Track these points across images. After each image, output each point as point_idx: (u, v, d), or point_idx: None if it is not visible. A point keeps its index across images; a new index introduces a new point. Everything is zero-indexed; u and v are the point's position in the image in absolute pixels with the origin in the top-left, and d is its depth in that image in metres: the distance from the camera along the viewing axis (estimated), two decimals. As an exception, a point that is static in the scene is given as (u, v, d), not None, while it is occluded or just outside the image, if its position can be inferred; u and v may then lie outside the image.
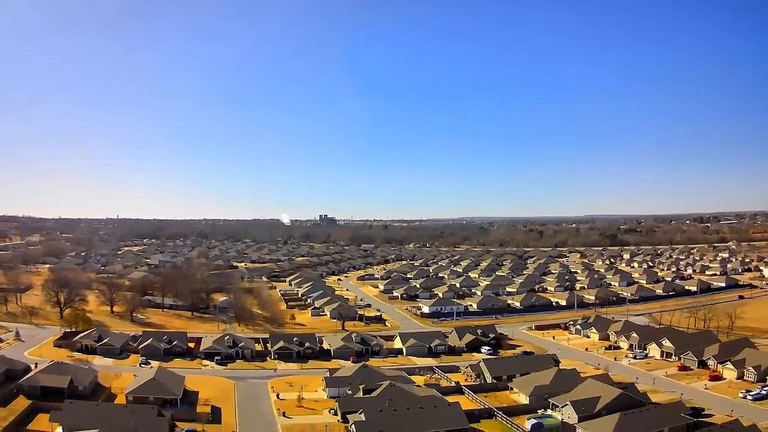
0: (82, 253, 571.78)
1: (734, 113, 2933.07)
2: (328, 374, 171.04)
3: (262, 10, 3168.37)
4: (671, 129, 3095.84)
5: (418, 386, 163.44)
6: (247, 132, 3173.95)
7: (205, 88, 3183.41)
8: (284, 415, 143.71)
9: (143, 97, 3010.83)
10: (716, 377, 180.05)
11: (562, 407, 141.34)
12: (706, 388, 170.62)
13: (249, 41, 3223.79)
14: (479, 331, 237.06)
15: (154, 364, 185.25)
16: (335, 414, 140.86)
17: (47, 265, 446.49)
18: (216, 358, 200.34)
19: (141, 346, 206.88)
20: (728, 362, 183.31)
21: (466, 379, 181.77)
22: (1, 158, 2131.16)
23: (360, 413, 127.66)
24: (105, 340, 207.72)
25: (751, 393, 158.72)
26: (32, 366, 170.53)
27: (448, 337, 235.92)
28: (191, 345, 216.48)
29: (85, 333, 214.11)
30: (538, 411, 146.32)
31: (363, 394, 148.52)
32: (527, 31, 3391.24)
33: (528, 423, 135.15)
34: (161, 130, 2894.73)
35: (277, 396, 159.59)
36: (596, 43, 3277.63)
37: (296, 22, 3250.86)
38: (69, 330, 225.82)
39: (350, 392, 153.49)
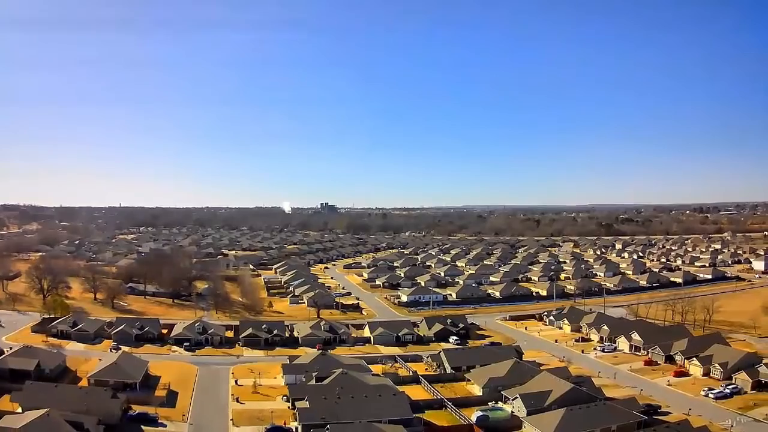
0: (76, 242, 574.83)
1: (741, 102, 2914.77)
2: (288, 361, 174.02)
3: (264, 4, 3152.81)
4: (675, 118, 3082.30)
5: (376, 375, 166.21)
6: (251, 121, 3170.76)
7: (210, 79, 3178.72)
8: (237, 401, 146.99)
9: (147, 88, 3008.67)
10: (682, 373, 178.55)
11: (512, 400, 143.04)
12: (669, 384, 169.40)
13: (255, 31, 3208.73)
14: (449, 321, 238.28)
15: (125, 349, 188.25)
16: (287, 401, 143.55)
17: (40, 253, 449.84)
18: (185, 344, 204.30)
19: (113, 332, 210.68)
20: (695, 358, 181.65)
21: (426, 369, 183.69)
22: (5, 148, 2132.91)
23: (305, 400, 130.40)
24: (80, 326, 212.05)
25: (713, 391, 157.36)
26: (6, 350, 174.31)
27: (418, 326, 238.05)
28: (164, 331, 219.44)
29: (61, 319, 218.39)
30: (490, 403, 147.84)
31: (317, 382, 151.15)
32: (527, 20, 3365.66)
33: (474, 415, 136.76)
34: (166, 119, 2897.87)
35: (236, 382, 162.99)
36: (597, 33, 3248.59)
37: (298, 15, 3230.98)
38: (48, 316, 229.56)
39: (305, 380, 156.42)
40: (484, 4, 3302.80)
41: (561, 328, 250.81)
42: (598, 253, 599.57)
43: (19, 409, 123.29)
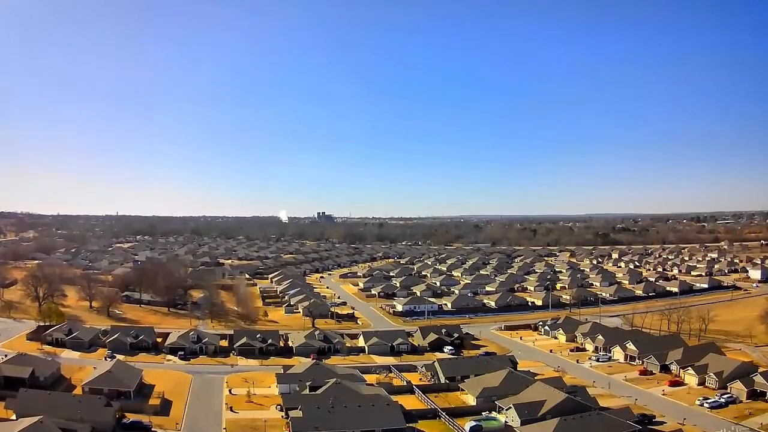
0: (73, 250, 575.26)
1: (739, 110, 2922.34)
2: (282, 371, 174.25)
3: (263, 7, 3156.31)
4: (673, 127, 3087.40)
5: (370, 384, 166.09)
6: (248, 129, 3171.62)
7: (207, 84, 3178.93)
8: (231, 410, 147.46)
9: (145, 94, 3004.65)
10: (677, 382, 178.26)
11: (506, 410, 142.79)
12: (663, 394, 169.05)
13: (251, 38, 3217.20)
14: (443, 331, 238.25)
15: (120, 357, 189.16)
16: (281, 410, 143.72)
17: (36, 261, 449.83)
18: (179, 353, 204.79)
19: (108, 340, 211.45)
20: (690, 367, 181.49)
21: (420, 379, 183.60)
22: (2, 155, 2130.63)
23: (299, 410, 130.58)
24: (74, 334, 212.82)
25: (708, 400, 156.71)
26: (1, 358, 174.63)
27: (412, 336, 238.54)
28: (159, 340, 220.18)
29: (57, 327, 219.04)
30: (483, 413, 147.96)
31: (310, 391, 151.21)
32: (523, 28, 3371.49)
33: (467, 425, 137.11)
34: (162, 127, 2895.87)
35: (230, 391, 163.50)
36: (595, 41, 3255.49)
37: (297, 20, 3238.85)
38: (43, 324, 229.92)
39: (298, 389, 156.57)
40: (480, 14, 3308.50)
41: (556, 338, 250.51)
42: (595, 262, 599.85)
43: (14, 417, 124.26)
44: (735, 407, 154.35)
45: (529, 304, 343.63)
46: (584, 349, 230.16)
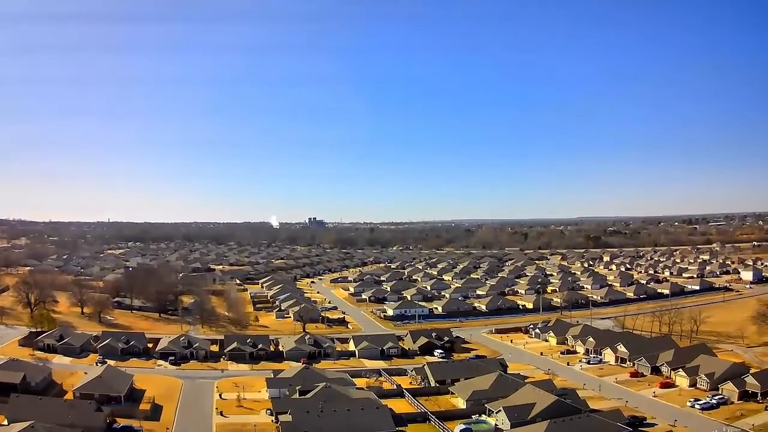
0: (64, 256, 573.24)
1: (732, 111, 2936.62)
2: (272, 375, 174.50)
3: (254, 13, 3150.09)
4: (664, 129, 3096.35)
5: (359, 388, 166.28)
6: (239, 135, 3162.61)
7: (197, 91, 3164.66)
8: (221, 414, 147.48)
9: (137, 103, 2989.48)
10: (668, 384, 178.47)
11: (496, 413, 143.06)
12: (654, 396, 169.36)
13: (245, 45, 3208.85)
14: (434, 334, 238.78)
15: (111, 363, 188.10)
16: (271, 414, 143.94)
17: (28, 267, 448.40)
18: (170, 358, 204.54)
19: (99, 346, 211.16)
20: (681, 369, 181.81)
21: (410, 383, 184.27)
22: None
23: (289, 414, 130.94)
24: (66, 340, 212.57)
25: (699, 402, 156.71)
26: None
27: (403, 339, 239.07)
28: (150, 345, 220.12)
29: (48, 333, 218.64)
30: (473, 416, 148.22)
31: (300, 395, 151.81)
32: (516, 33, 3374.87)
33: (457, 428, 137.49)
34: (153, 133, 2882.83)
35: (220, 396, 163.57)
36: (584, 44, 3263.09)
37: (288, 27, 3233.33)
38: (35, 330, 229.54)
39: (288, 393, 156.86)
40: (472, 18, 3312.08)
41: (547, 341, 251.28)
42: (586, 265, 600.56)
43: (5, 422, 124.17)
44: (726, 408, 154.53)
45: (520, 307, 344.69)
46: (575, 352, 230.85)
